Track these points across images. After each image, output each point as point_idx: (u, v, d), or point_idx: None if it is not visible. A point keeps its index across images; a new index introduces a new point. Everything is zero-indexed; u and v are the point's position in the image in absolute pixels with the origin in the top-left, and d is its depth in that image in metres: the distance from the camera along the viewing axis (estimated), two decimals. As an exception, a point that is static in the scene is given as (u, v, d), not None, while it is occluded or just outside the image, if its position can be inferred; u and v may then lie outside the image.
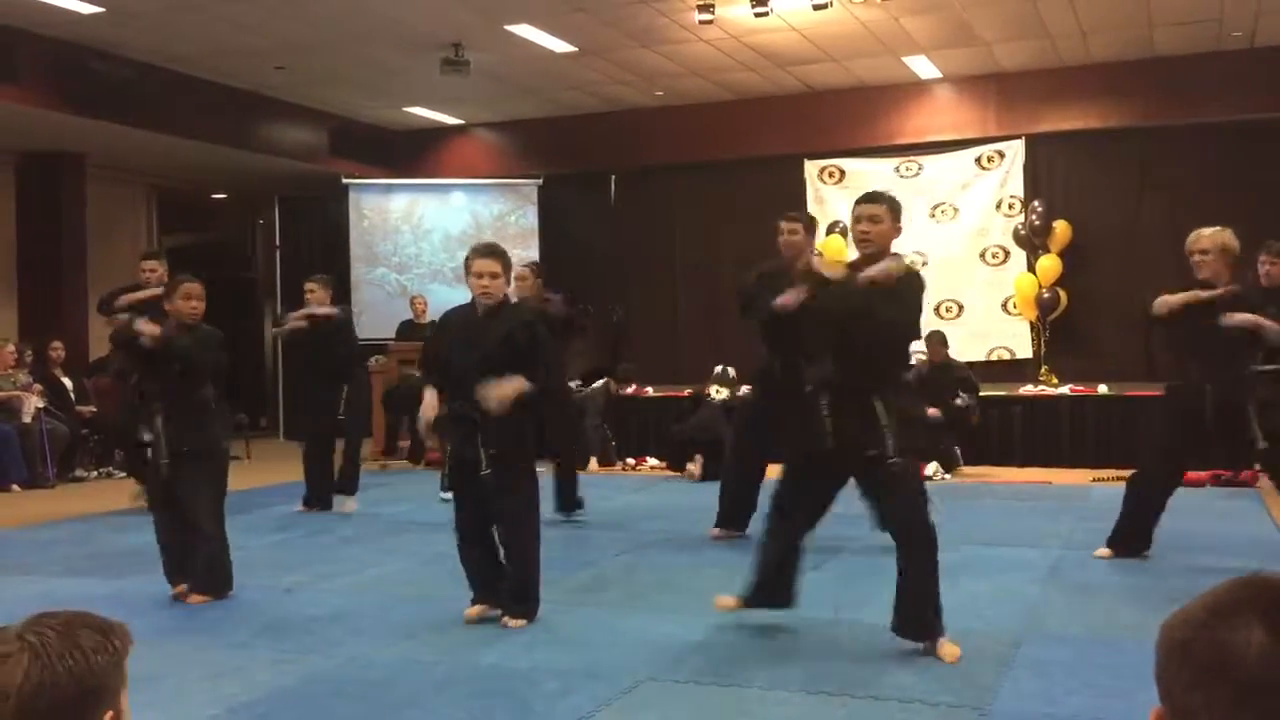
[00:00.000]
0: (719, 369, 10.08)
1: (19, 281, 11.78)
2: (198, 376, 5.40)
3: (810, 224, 6.61)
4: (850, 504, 6.58)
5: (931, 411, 9.30)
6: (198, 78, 10.95)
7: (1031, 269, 11.44)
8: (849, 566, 5.78)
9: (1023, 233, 11.43)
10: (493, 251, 4.75)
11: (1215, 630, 1.00)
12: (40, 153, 11.50)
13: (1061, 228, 11.25)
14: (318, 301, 8.05)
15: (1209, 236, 5.53)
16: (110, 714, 1.30)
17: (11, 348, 10.18)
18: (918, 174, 12.04)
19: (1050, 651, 4.22)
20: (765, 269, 6.28)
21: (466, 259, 4.79)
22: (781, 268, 5.99)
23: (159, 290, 6.88)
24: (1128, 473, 9.13)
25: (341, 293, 12.59)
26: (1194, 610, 1.04)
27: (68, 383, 10.63)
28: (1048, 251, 11.30)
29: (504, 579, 4.80)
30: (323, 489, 7.94)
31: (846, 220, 12.16)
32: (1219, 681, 0.98)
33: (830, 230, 12.22)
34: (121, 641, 1.34)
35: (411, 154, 13.61)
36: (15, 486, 9.44)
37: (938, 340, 9.81)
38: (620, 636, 4.52)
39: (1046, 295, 11.27)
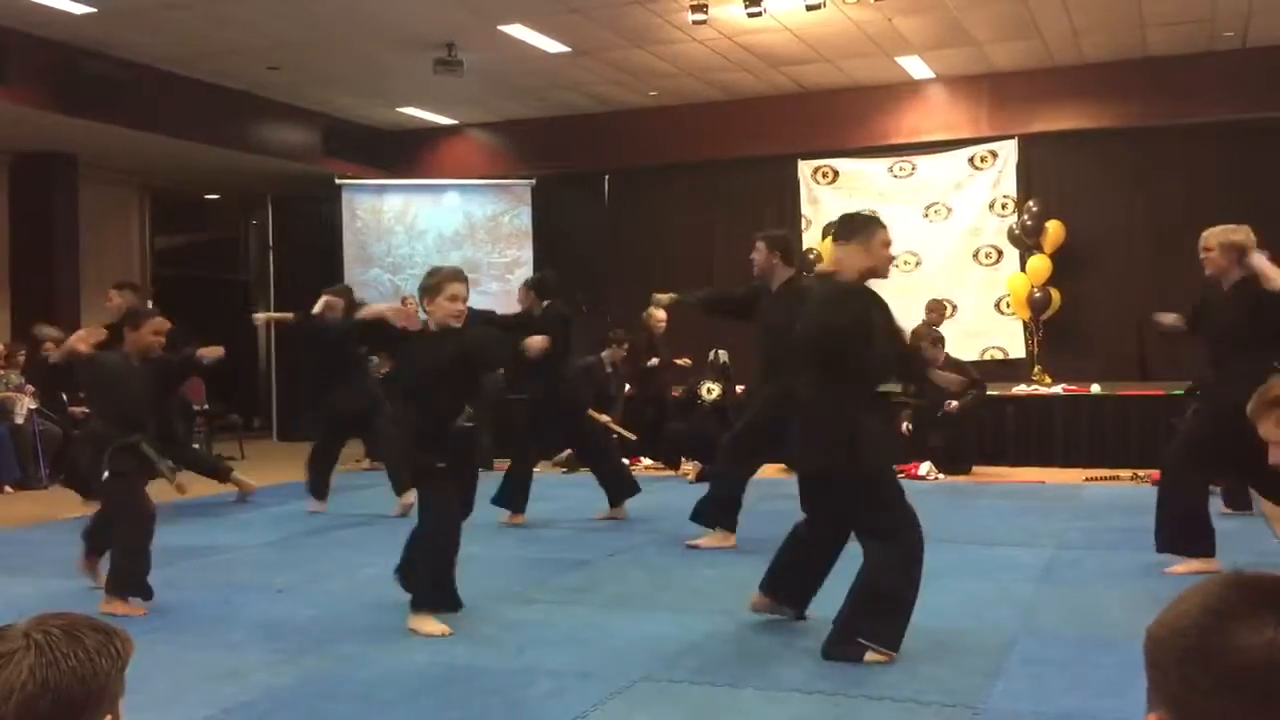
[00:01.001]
0: (712, 355, 10.12)
1: (12, 282, 11.75)
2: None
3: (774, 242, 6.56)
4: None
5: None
6: (190, 77, 10.93)
7: (1025, 269, 11.46)
8: (846, 567, 5.79)
9: (1016, 233, 11.45)
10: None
11: (1231, 634, 0.99)
12: (32, 153, 11.48)
13: (1054, 228, 11.27)
14: (328, 308, 8.31)
15: (1211, 234, 5.56)
16: (109, 718, 1.30)
17: (0, 346, 10.13)
18: (911, 174, 12.06)
19: (1043, 651, 4.23)
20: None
21: (440, 281, 4.76)
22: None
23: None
24: (1121, 472, 9.14)
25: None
26: (1191, 614, 1.02)
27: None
28: (1040, 251, 11.32)
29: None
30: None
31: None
32: (1244, 685, 0.97)
33: (826, 233, 12.23)
34: (124, 646, 1.34)
35: (405, 154, 13.60)
36: (8, 487, 9.41)
37: (932, 339, 9.79)
38: (614, 636, 4.52)
39: (1038, 295, 11.29)
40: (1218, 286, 5.52)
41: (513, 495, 7.27)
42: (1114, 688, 3.70)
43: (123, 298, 8.00)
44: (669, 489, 8.86)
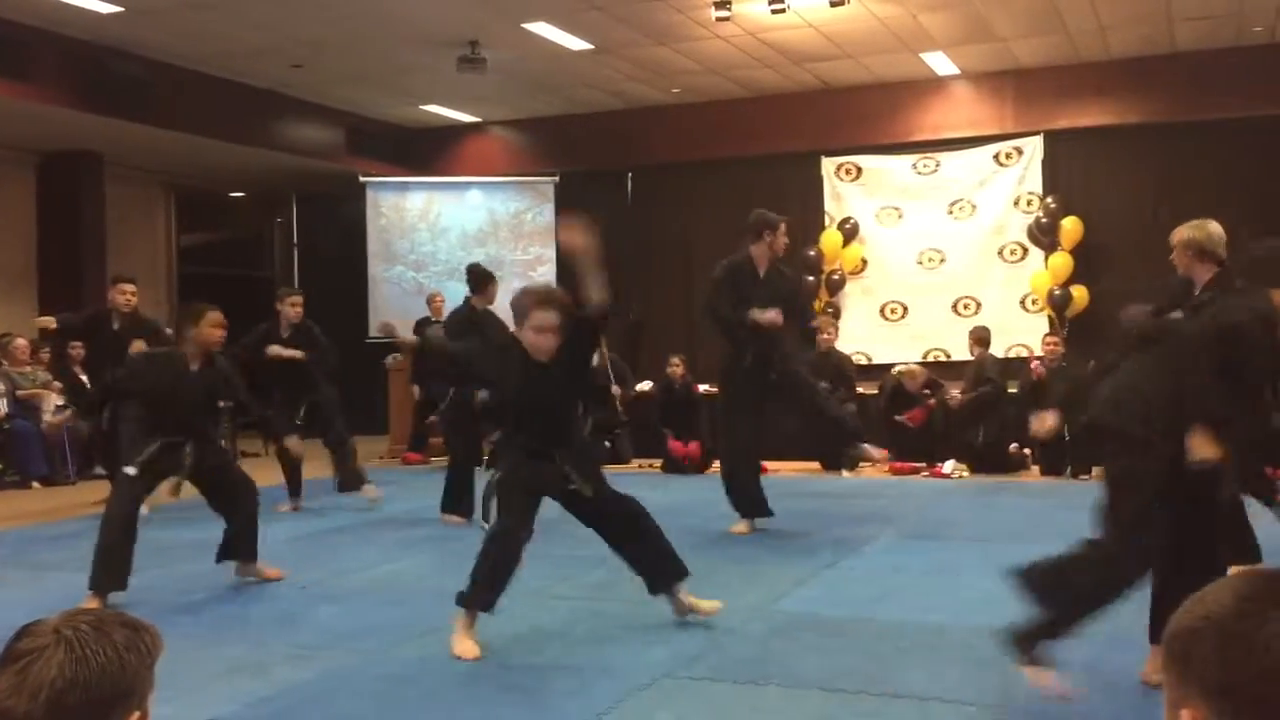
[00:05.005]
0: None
1: (39, 280, 11.85)
2: None
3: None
4: (870, 503, 6.57)
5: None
6: (215, 76, 10.99)
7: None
8: (868, 564, 5.77)
9: (1033, 230, 11.40)
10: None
11: (1274, 620, 1.02)
12: (59, 152, 11.57)
13: (1071, 224, 11.21)
14: (295, 315, 8.37)
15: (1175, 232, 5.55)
16: (137, 715, 1.30)
17: (23, 342, 10.19)
18: (935, 171, 12.00)
19: (1071, 652, 4.19)
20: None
21: (526, 306, 4.44)
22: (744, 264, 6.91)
23: None
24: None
25: (359, 291, 12.70)
26: (1226, 604, 1.04)
27: (86, 381, 10.67)
28: (1060, 248, 11.27)
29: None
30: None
31: (860, 217, 12.20)
32: None
33: (841, 226, 12.22)
34: (152, 642, 1.34)
35: (428, 152, 13.63)
36: (35, 484, 9.49)
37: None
38: (636, 633, 4.52)
39: (1058, 293, 11.22)
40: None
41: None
42: (1141, 690, 3.67)
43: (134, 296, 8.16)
44: (689, 485, 8.85)
